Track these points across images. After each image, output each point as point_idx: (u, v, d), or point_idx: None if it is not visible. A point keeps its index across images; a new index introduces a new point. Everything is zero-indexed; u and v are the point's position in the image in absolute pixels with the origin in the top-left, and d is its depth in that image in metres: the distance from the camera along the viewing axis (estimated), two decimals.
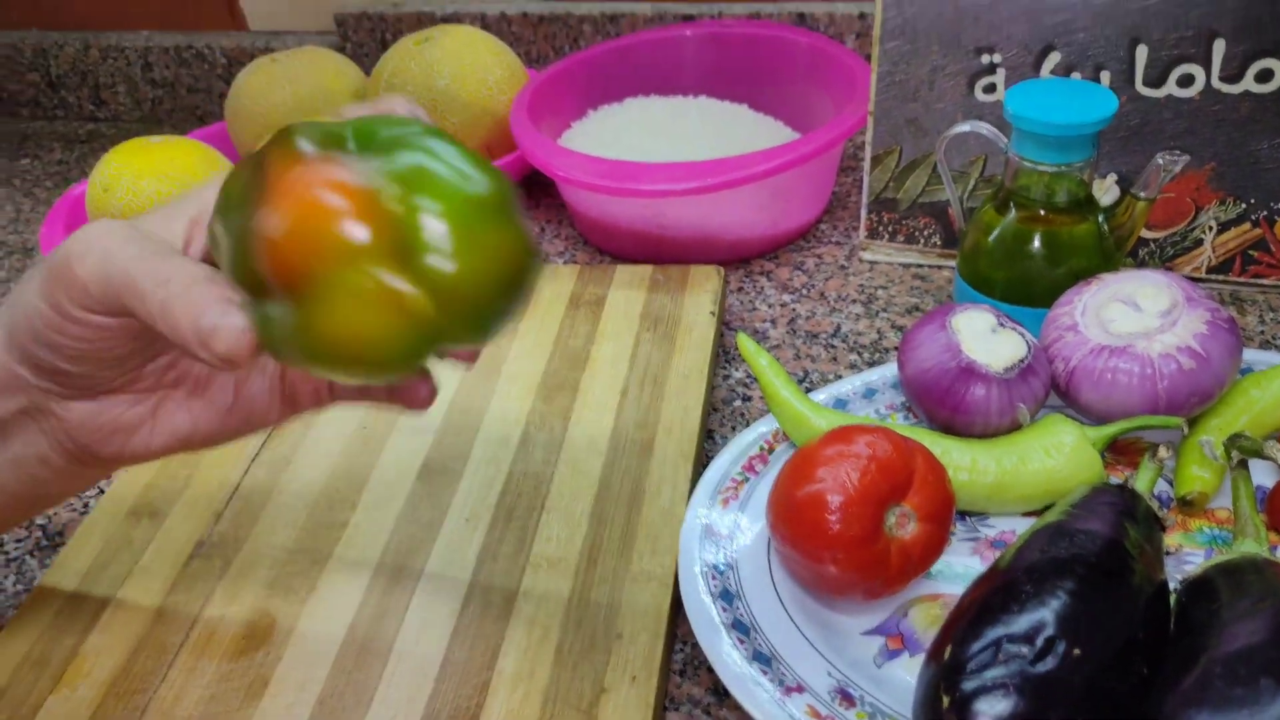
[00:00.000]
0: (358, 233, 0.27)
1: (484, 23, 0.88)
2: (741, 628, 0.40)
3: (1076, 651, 0.32)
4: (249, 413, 0.37)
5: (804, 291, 0.64)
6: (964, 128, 0.53)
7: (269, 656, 0.42)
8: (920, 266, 0.65)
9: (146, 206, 0.66)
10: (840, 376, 0.57)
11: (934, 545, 0.41)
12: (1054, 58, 0.56)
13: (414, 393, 0.36)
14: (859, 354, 0.58)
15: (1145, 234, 0.59)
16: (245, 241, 0.28)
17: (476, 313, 0.29)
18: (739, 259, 0.67)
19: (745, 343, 0.49)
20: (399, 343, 0.28)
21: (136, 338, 0.33)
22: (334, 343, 0.28)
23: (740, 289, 0.65)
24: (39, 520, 0.53)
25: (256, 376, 0.37)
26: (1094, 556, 0.36)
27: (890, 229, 0.64)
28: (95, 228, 0.31)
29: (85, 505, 0.54)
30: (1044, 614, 0.33)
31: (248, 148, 0.76)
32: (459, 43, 0.73)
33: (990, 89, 0.58)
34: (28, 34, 1.03)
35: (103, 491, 0.54)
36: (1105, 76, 0.55)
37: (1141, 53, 0.54)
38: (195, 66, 0.98)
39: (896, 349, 0.58)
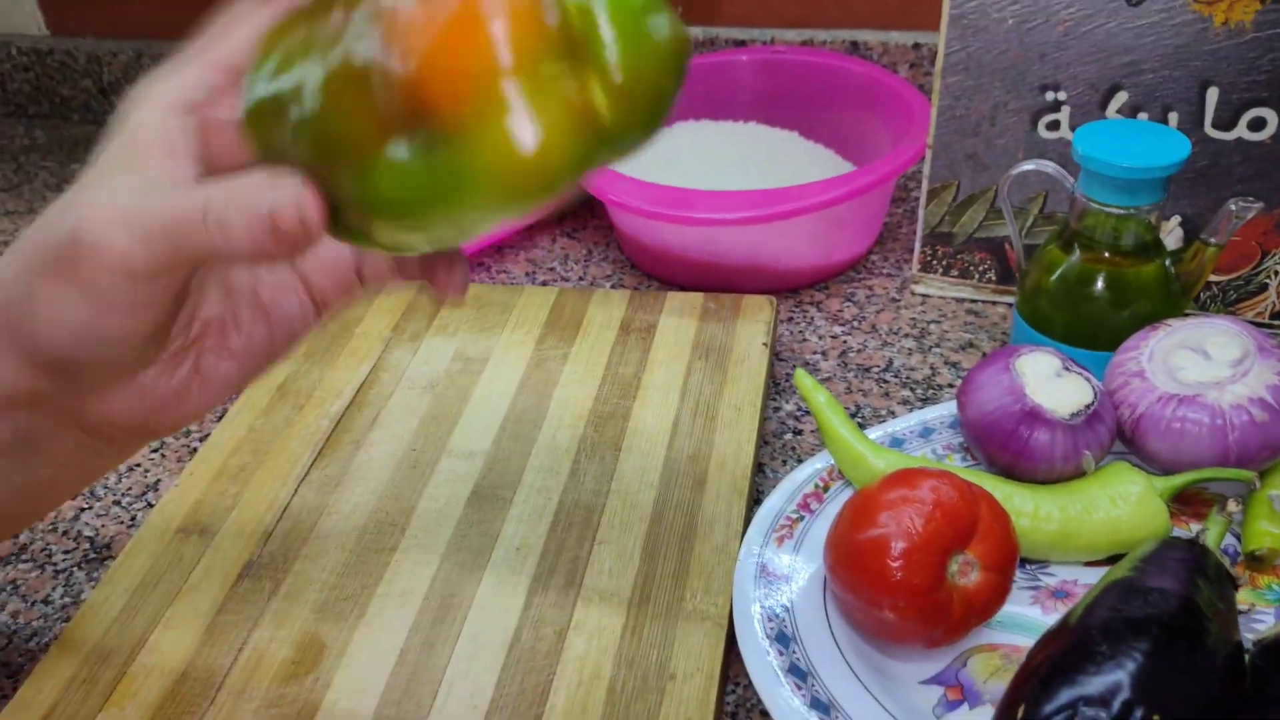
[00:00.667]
0: (533, 35, 0.24)
1: None
2: (799, 673, 0.39)
3: (1156, 717, 0.31)
4: (288, 329, 0.35)
5: (855, 324, 0.63)
6: (1029, 166, 0.52)
7: (318, 683, 0.41)
8: (974, 302, 0.64)
9: None
10: (893, 412, 0.56)
11: (997, 595, 0.40)
12: (1121, 97, 0.55)
13: (448, 276, 0.32)
14: (912, 390, 0.58)
15: (1209, 277, 0.58)
16: (344, 86, 0.25)
17: (648, 108, 0.26)
18: (789, 288, 0.67)
19: (803, 379, 0.48)
20: (574, 153, 0.25)
21: (174, 296, 0.30)
22: (499, 168, 0.25)
23: (790, 319, 0.64)
24: (86, 532, 0.53)
25: (283, 292, 0.35)
26: (1169, 616, 0.35)
27: (944, 263, 0.63)
28: (92, 197, 0.28)
29: (133, 519, 0.54)
30: (1120, 676, 0.32)
31: None
32: None
33: (1054, 126, 0.57)
34: (83, 41, 1.05)
35: (151, 506, 0.54)
36: (1173, 117, 0.54)
37: (1212, 95, 0.53)
38: None
39: (951, 386, 0.57)
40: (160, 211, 0.27)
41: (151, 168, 0.29)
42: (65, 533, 0.53)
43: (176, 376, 0.32)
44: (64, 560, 0.52)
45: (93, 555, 0.52)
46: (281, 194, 0.26)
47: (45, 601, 0.49)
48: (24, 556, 0.52)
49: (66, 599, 0.49)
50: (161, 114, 0.30)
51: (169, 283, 0.29)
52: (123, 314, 0.29)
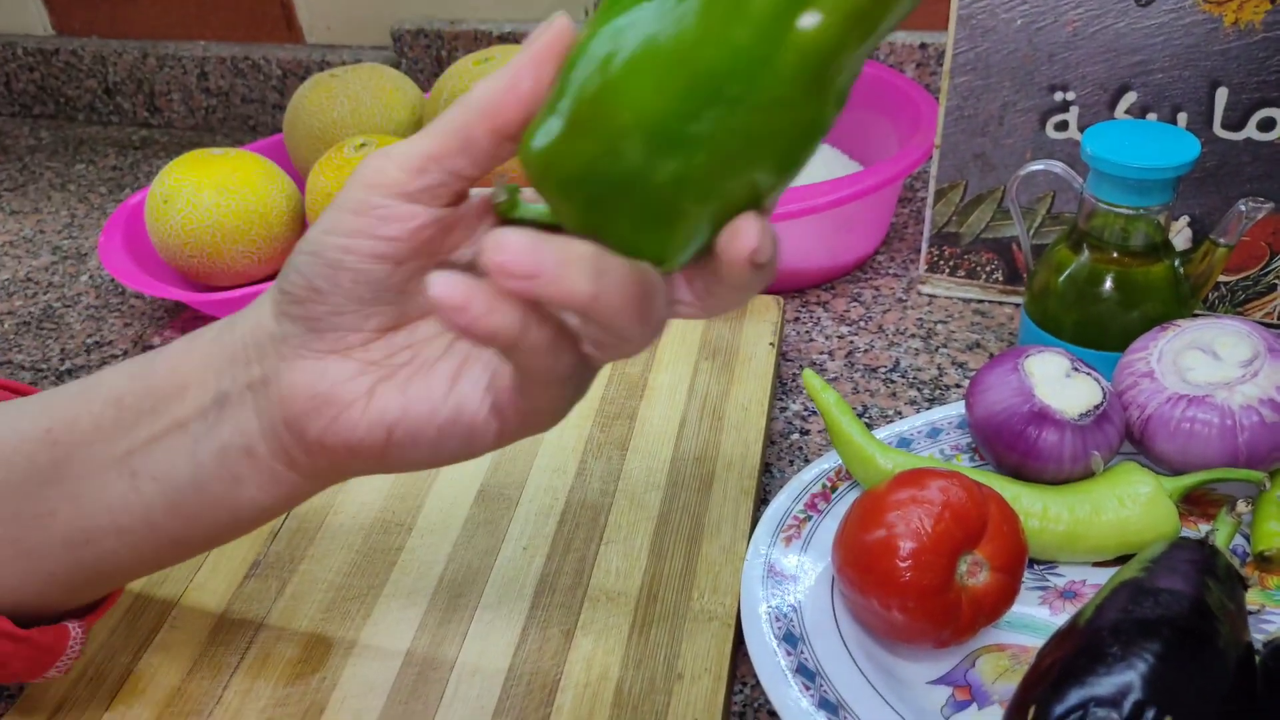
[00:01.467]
0: None
1: None
2: (807, 673, 0.39)
3: (1168, 718, 0.31)
4: (457, 410, 0.33)
5: (862, 324, 0.63)
6: (1037, 166, 0.52)
7: (325, 682, 0.41)
8: (981, 302, 0.64)
9: (206, 219, 0.66)
10: (900, 413, 0.56)
11: (1006, 595, 0.40)
12: (1129, 98, 0.55)
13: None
14: (919, 390, 0.57)
15: (1218, 277, 0.58)
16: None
17: None
18: (795, 289, 0.67)
19: (811, 379, 0.48)
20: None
21: (427, 247, 0.32)
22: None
23: (796, 319, 0.64)
24: None
25: (475, 366, 0.34)
26: (1179, 617, 0.35)
27: (951, 263, 0.63)
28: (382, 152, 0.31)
29: None
30: (1131, 677, 0.32)
31: (305, 161, 0.76)
32: None
33: (1062, 126, 0.57)
34: (88, 41, 1.05)
35: None
36: (1182, 118, 0.54)
37: (1221, 95, 0.53)
38: (250, 77, 0.99)
39: (958, 386, 0.57)
40: (434, 126, 0.30)
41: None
42: None
43: (355, 383, 0.33)
44: None
45: None
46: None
47: None
48: None
49: None
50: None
51: (427, 223, 0.31)
52: (380, 228, 0.31)
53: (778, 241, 0.28)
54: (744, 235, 0.27)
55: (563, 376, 0.31)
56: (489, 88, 0.29)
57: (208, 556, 0.47)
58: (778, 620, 0.41)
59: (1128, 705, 0.31)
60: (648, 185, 0.26)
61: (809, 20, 0.24)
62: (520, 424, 0.33)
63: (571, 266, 0.26)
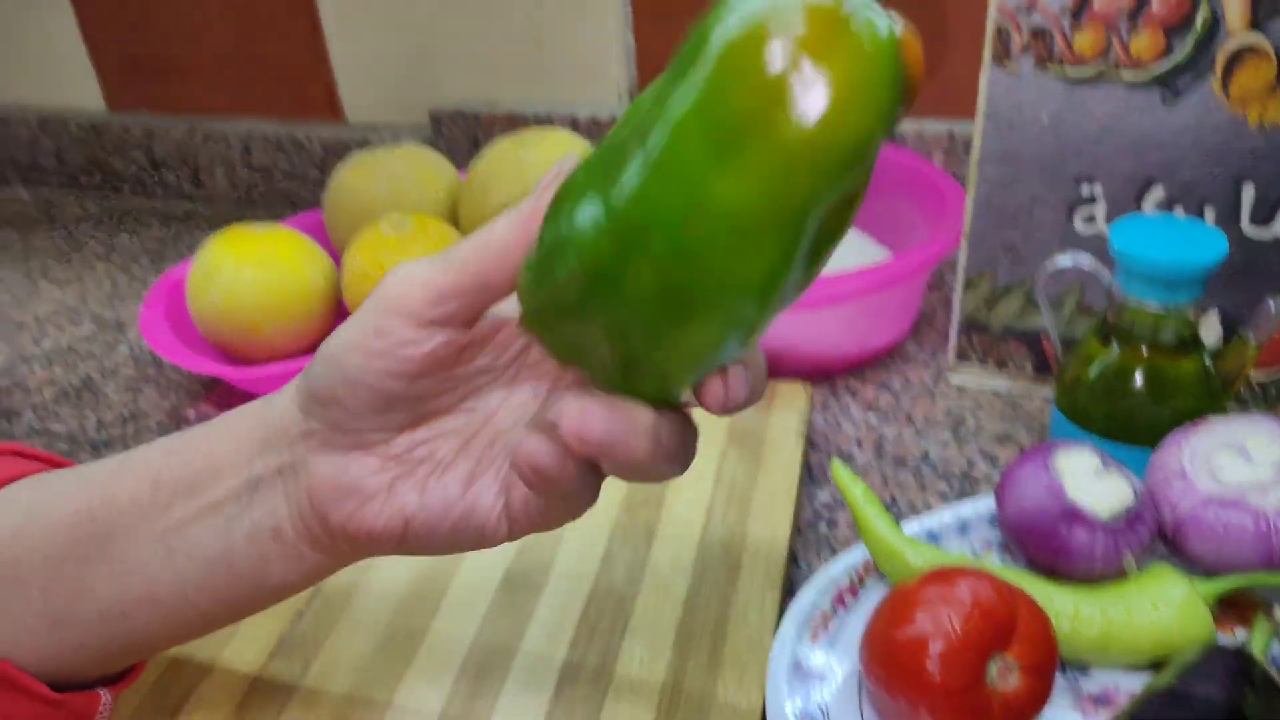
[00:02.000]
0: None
1: (574, 124, 0.90)
2: None
3: None
4: (469, 511, 0.35)
5: (890, 413, 0.63)
6: (1065, 261, 0.52)
7: None
8: (1011, 393, 0.64)
9: (247, 293, 0.68)
10: (929, 505, 0.56)
11: (1037, 699, 0.39)
12: (1157, 192, 0.55)
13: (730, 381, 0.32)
14: (948, 482, 0.57)
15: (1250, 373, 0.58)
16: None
17: None
18: (824, 375, 0.67)
19: (840, 471, 0.48)
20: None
21: (442, 365, 0.33)
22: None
23: (825, 406, 0.64)
24: None
25: (489, 471, 0.36)
26: None
27: (980, 353, 0.63)
28: (400, 273, 0.33)
29: None
30: None
31: (343, 239, 0.78)
32: (553, 148, 0.75)
33: (1090, 219, 0.57)
34: (138, 115, 1.08)
35: None
36: (1210, 212, 0.55)
37: (1248, 191, 0.53)
38: (293, 154, 1.02)
39: (988, 479, 0.57)
40: (462, 249, 0.32)
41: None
42: None
43: (376, 478, 0.35)
44: None
45: None
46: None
47: None
48: None
49: None
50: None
51: (447, 340, 0.33)
52: (398, 350, 0.33)
53: (759, 376, 0.31)
54: (710, 394, 0.31)
55: (580, 494, 0.33)
56: (504, 230, 0.32)
57: (236, 630, 0.47)
58: (804, 718, 0.41)
59: None
60: (599, 329, 0.29)
61: (725, 185, 0.25)
62: (531, 526, 0.35)
63: (639, 436, 0.30)
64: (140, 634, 0.38)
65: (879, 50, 0.24)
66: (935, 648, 0.38)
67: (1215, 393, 0.51)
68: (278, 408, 0.36)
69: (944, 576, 0.40)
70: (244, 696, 0.44)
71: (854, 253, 0.72)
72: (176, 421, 0.70)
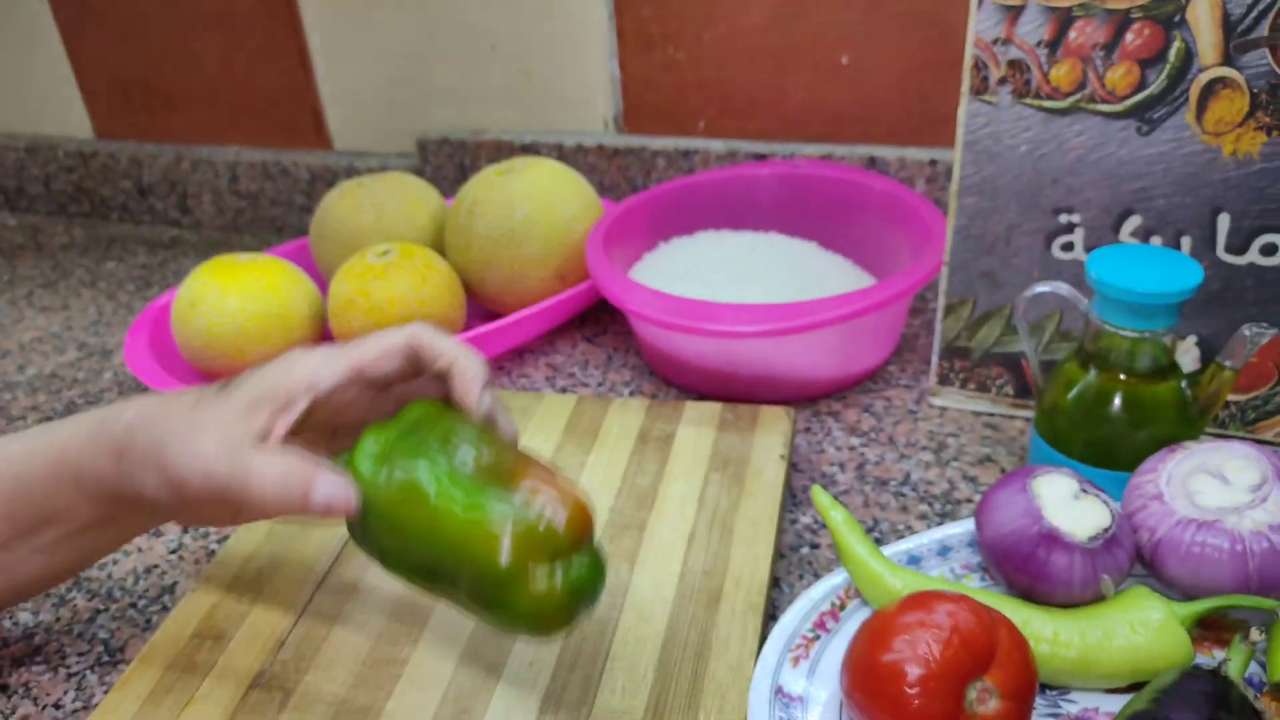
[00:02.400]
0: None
1: (561, 153, 0.91)
2: None
3: None
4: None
5: (872, 435, 0.63)
6: (1043, 288, 0.53)
7: None
8: (992, 415, 0.64)
9: (230, 323, 0.68)
10: (910, 527, 0.56)
11: None
12: (1133, 221, 0.56)
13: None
14: (929, 504, 0.57)
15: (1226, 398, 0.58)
16: (475, 484, 0.39)
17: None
18: (807, 398, 0.67)
19: (820, 496, 0.48)
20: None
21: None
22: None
23: (808, 429, 0.65)
24: (101, 635, 0.53)
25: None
26: None
27: (961, 377, 0.64)
28: (198, 437, 0.41)
29: (149, 622, 0.54)
30: None
31: (330, 265, 0.78)
32: (539, 176, 0.75)
33: (1068, 247, 0.58)
34: (126, 145, 1.09)
35: (167, 609, 0.54)
36: (1186, 242, 0.55)
37: (1223, 221, 0.54)
38: (280, 181, 1.03)
39: (969, 501, 0.57)
40: (226, 475, 0.40)
41: (238, 428, 0.41)
42: (80, 635, 0.53)
43: None
44: (77, 663, 0.52)
45: (106, 659, 0.52)
46: (323, 486, 0.39)
47: (56, 706, 0.49)
48: (37, 658, 0.52)
49: (78, 703, 0.49)
50: (253, 401, 0.42)
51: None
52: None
53: None
54: None
55: None
56: (348, 365, 0.44)
57: (214, 664, 0.47)
58: None
59: None
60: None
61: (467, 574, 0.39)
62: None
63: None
64: None
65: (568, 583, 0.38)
66: (914, 673, 0.38)
67: (1192, 418, 0.51)
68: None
69: (923, 602, 0.40)
70: None
71: (838, 278, 0.72)
72: None
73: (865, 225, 0.76)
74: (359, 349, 0.44)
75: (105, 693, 0.48)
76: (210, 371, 0.70)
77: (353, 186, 0.79)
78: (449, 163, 0.95)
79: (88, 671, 0.51)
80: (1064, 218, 0.57)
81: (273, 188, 1.03)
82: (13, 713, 0.49)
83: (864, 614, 0.47)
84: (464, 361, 0.43)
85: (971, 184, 0.58)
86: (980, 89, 0.56)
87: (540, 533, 0.38)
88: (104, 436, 0.43)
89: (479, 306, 0.80)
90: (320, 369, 0.43)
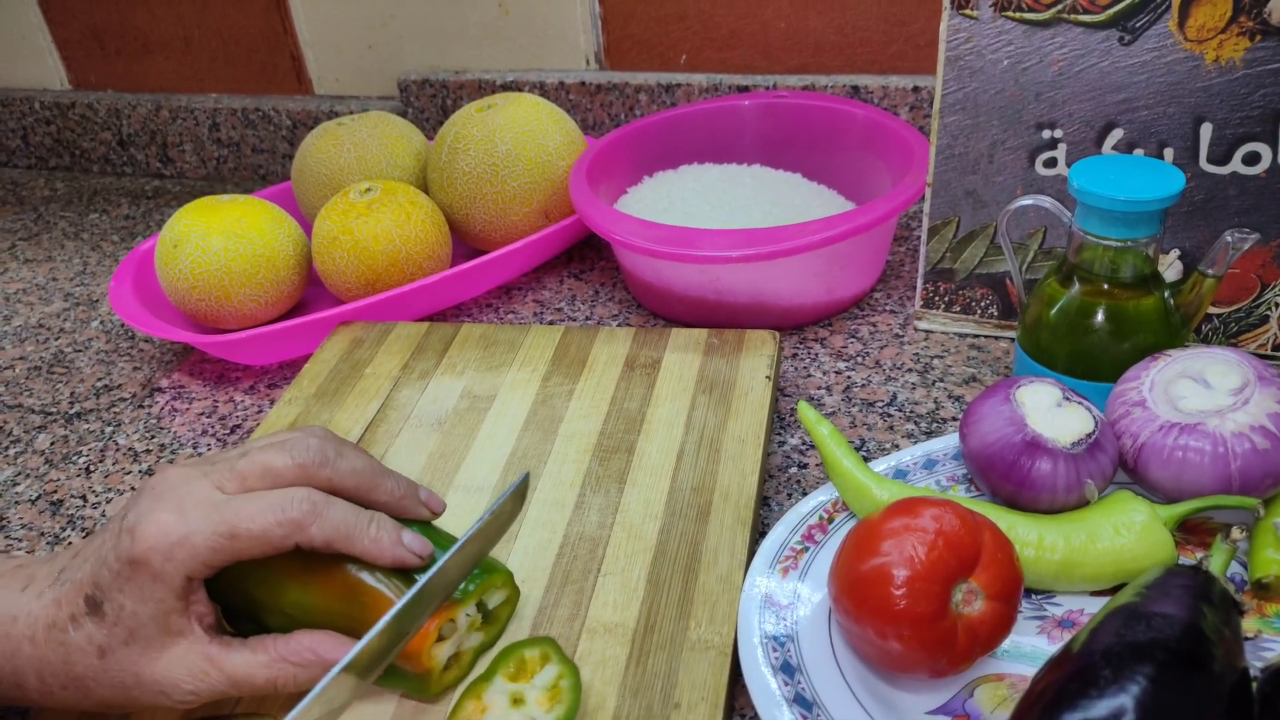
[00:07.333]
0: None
1: (543, 90, 0.90)
2: (804, 703, 0.39)
3: None
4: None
5: (859, 359, 0.64)
6: (1026, 202, 0.53)
7: None
8: (977, 337, 0.65)
9: (214, 263, 0.67)
10: (897, 446, 0.56)
11: (1002, 624, 0.40)
12: (1116, 134, 0.56)
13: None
14: (916, 423, 0.58)
15: (1210, 309, 0.58)
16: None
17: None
18: (793, 325, 0.67)
19: (806, 411, 0.48)
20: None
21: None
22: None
23: (795, 355, 0.65)
24: None
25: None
26: (1173, 641, 0.35)
27: (946, 299, 0.64)
28: (149, 530, 0.38)
29: None
30: (1124, 700, 0.32)
31: (312, 207, 0.78)
32: (520, 110, 0.74)
33: (1051, 163, 0.58)
34: (103, 95, 1.07)
35: None
36: (1169, 153, 0.55)
37: (1206, 131, 0.54)
38: (261, 128, 1.02)
39: (954, 420, 0.57)
40: (202, 542, 0.38)
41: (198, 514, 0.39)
42: None
43: None
44: None
45: None
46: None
47: None
48: None
49: None
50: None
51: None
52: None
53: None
54: None
55: None
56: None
57: None
58: (774, 650, 0.41)
59: None
60: None
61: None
62: None
63: None
64: None
65: None
66: (900, 576, 0.39)
67: (1176, 328, 0.51)
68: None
69: (908, 507, 0.41)
70: None
71: (822, 209, 0.72)
72: (150, 391, 0.70)
73: (849, 154, 0.76)
74: (237, 517, 0.39)
75: None
76: (197, 313, 0.70)
77: (333, 127, 0.78)
78: (431, 104, 0.94)
79: None
80: (1046, 133, 0.57)
81: (254, 135, 1.02)
82: None
83: (851, 526, 0.48)
84: (361, 545, 0.40)
85: (954, 101, 0.58)
86: (962, 3, 0.56)
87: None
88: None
89: (465, 246, 0.80)
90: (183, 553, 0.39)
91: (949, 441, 0.51)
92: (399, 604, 0.38)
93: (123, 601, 0.38)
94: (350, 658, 0.37)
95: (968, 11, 0.56)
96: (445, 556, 0.40)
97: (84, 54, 1.06)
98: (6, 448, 0.66)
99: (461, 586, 0.42)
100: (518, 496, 0.44)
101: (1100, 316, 0.51)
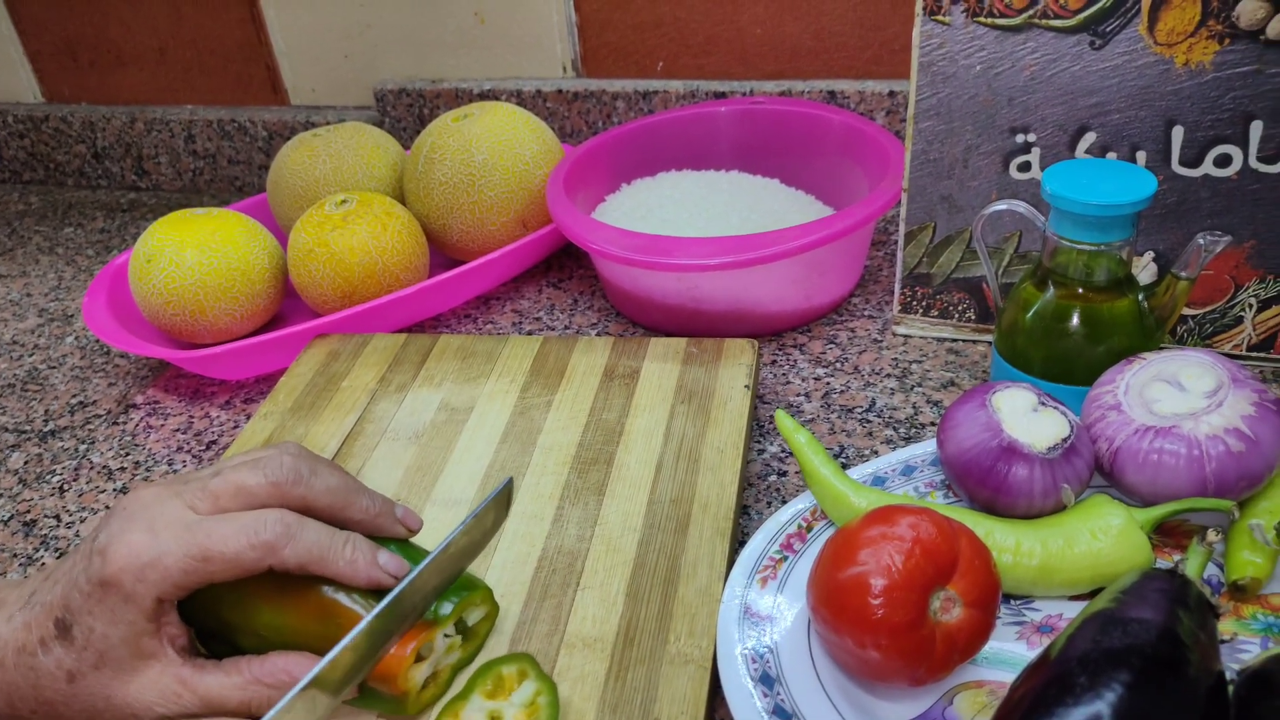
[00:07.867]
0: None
1: (520, 99, 0.90)
2: (784, 714, 0.39)
3: None
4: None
5: (837, 365, 0.64)
6: (1000, 206, 0.53)
7: None
8: (954, 341, 0.65)
9: (189, 277, 0.67)
10: (876, 452, 0.56)
11: (980, 631, 0.40)
12: (1089, 138, 0.56)
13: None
14: (894, 429, 0.58)
15: (1184, 311, 0.59)
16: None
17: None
18: (772, 332, 0.67)
19: (783, 420, 0.48)
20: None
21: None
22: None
23: (773, 362, 0.65)
24: None
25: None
26: (1149, 647, 0.35)
27: (924, 304, 0.64)
28: (120, 550, 0.38)
29: None
30: (1100, 707, 0.32)
31: (288, 219, 0.77)
32: (497, 119, 0.74)
33: (1025, 167, 0.58)
34: (77, 108, 1.07)
35: None
36: (1141, 156, 0.55)
37: (1177, 134, 0.54)
38: (237, 139, 1.01)
39: (933, 425, 0.58)
40: (174, 564, 0.38)
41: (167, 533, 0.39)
42: None
43: None
44: None
45: None
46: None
47: None
48: None
49: None
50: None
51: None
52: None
53: None
54: None
55: None
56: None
57: None
58: (754, 661, 0.41)
59: None
60: None
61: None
62: None
63: None
64: None
65: None
66: (878, 585, 0.39)
67: (1150, 331, 0.51)
68: None
69: (885, 516, 0.41)
70: None
71: (800, 214, 0.72)
72: (125, 408, 0.69)
73: (827, 159, 0.76)
74: (210, 539, 0.38)
75: None
76: (172, 327, 0.69)
77: (308, 138, 0.78)
78: (408, 114, 0.94)
79: None
80: (1020, 137, 0.57)
81: (230, 146, 1.02)
82: None
83: (830, 534, 0.48)
84: (336, 567, 0.40)
85: (928, 107, 0.58)
86: (934, 9, 0.56)
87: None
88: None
89: (443, 256, 0.80)
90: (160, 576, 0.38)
91: (927, 448, 0.51)
92: (368, 618, 0.38)
93: (93, 624, 0.38)
94: (319, 670, 0.36)
95: (940, 18, 0.56)
96: (418, 568, 0.40)
97: (57, 66, 1.06)
98: None
99: (440, 606, 0.41)
100: (501, 504, 0.44)
101: (1075, 320, 0.51)
